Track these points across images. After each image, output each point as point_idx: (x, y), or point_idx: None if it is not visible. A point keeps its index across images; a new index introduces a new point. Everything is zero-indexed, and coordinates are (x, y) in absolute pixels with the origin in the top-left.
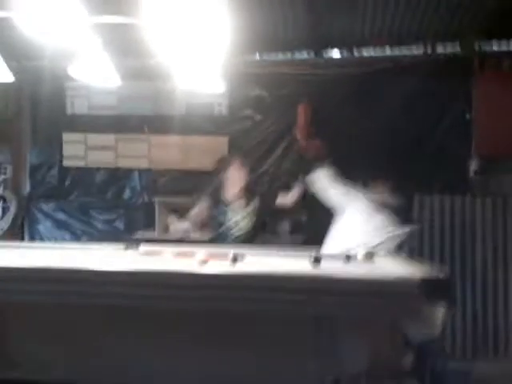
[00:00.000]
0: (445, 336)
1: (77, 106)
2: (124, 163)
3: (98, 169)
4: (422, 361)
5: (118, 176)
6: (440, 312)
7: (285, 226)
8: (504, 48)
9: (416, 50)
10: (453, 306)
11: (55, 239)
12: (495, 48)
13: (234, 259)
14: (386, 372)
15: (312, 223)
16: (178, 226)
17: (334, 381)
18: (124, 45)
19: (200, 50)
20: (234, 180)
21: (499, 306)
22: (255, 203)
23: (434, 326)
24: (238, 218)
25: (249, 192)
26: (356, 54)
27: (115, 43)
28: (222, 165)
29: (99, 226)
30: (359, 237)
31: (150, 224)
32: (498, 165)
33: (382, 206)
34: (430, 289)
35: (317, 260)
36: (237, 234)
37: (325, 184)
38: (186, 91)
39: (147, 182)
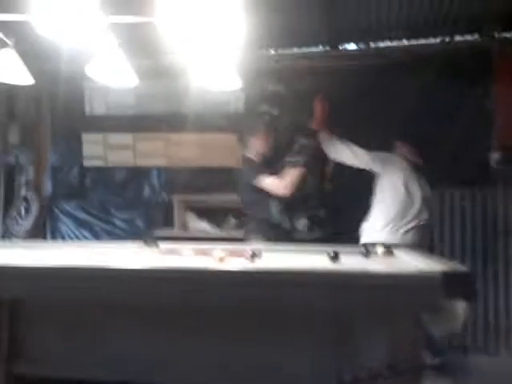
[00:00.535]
0: (467, 331)
1: (95, 107)
2: (142, 162)
3: (118, 168)
4: (443, 355)
5: (136, 174)
6: (461, 307)
7: (303, 222)
8: None
9: (433, 40)
10: (474, 301)
11: (76, 238)
12: None
13: (253, 256)
14: (406, 367)
15: (331, 219)
16: (196, 223)
17: (354, 375)
18: (140, 44)
19: (215, 47)
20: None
21: None
22: None
23: (455, 320)
24: None
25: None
26: (372, 46)
27: (131, 42)
28: (245, 136)
29: (119, 224)
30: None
31: (168, 222)
32: None
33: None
34: (451, 284)
35: (335, 255)
36: None
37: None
38: (202, 88)
39: (165, 180)
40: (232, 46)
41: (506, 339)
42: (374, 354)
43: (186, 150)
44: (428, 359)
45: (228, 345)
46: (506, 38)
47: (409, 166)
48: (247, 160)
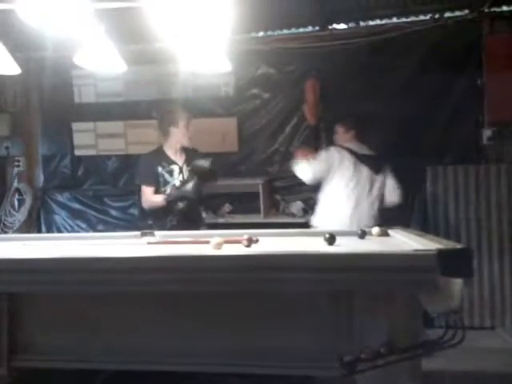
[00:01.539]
0: (463, 308)
1: (84, 95)
2: (134, 150)
3: (110, 156)
4: (441, 333)
5: (129, 163)
6: (458, 284)
7: (297, 206)
8: None
9: (423, 17)
10: (470, 278)
11: (72, 229)
12: (505, 8)
13: (249, 241)
14: (405, 346)
15: None
16: None
17: (354, 356)
18: (127, 30)
19: (203, 30)
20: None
21: None
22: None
23: (453, 298)
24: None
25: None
26: (362, 25)
27: (118, 28)
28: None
29: (114, 213)
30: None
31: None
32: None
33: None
34: (447, 261)
35: (331, 238)
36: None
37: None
38: (192, 73)
39: None
40: (220, 29)
41: (501, 315)
42: (373, 335)
43: None
44: (426, 337)
45: (229, 330)
46: (495, 13)
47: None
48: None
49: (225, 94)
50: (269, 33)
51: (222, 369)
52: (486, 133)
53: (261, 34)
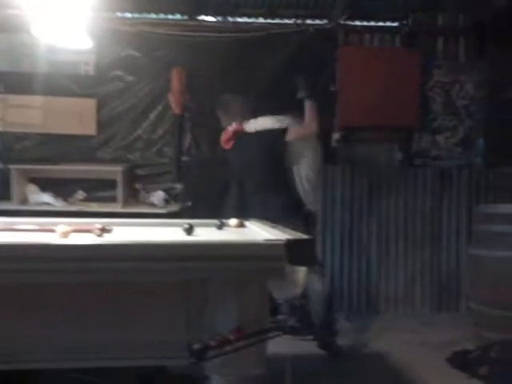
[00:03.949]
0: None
1: None
2: None
3: None
4: (286, 318)
5: None
6: (302, 272)
7: (159, 195)
8: (365, 23)
9: (288, 21)
10: (313, 266)
11: None
12: (358, 23)
13: (101, 231)
14: (253, 331)
15: (188, 193)
16: (38, 196)
17: (203, 344)
18: None
19: (64, 2)
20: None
21: (354, 264)
22: None
23: (297, 285)
24: None
25: None
26: (230, 20)
27: None
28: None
29: None
30: None
31: (5, 194)
32: (357, 135)
33: None
34: (293, 251)
35: (190, 228)
36: None
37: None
38: (49, 47)
39: (2, 147)
40: (82, 3)
41: (340, 301)
42: (224, 321)
43: (28, 115)
44: (273, 322)
45: (74, 323)
46: (350, 26)
47: None
48: None
49: (85, 73)
50: (136, 15)
51: (67, 364)
52: (335, 136)
53: (127, 14)
